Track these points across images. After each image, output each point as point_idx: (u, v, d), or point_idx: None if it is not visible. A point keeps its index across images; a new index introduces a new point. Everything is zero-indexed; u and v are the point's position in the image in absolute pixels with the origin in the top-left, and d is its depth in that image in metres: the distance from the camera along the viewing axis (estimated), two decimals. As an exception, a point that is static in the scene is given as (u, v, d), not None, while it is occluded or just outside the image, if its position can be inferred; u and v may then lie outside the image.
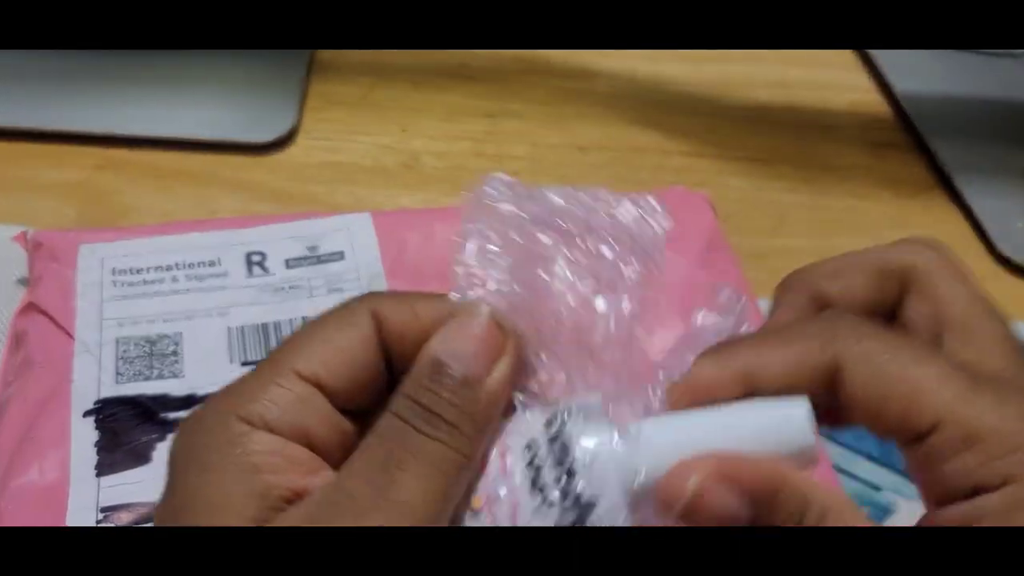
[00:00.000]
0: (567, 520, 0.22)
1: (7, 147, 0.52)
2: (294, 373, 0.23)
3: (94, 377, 0.39)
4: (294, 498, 0.22)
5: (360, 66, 0.60)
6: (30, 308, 0.42)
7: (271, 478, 0.22)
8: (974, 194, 0.53)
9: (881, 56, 0.62)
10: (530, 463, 0.22)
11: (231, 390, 0.23)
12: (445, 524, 0.22)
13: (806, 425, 0.22)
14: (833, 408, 0.24)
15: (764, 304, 0.29)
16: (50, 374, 0.39)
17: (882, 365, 0.23)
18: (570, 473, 0.22)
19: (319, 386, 0.23)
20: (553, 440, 0.23)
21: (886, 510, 0.39)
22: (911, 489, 0.27)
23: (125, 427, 0.38)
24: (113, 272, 0.43)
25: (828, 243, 0.52)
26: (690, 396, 0.24)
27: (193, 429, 0.23)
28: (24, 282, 0.44)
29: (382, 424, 0.23)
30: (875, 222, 0.53)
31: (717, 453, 0.22)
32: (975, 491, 0.22)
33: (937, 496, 0.23)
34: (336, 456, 0.23)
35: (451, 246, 0.24)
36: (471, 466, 0.23)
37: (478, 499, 0.22)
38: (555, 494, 0.22)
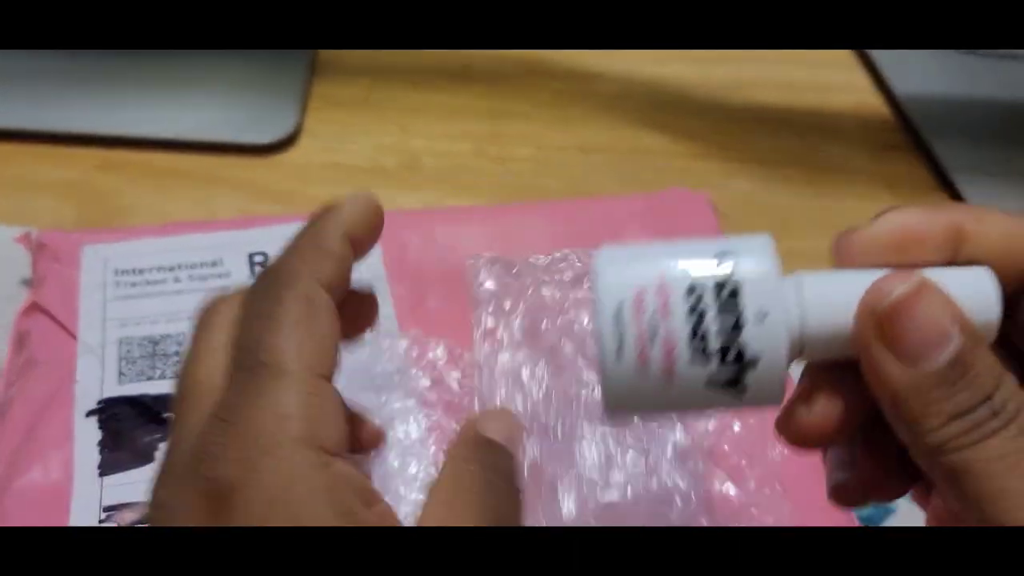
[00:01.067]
0: (723, 376, 0.21)
1: (8, 148, 0.52)
2: (317, 377, 0.21)
3: (97, 377, 0.40)
4: None
5: (361, 67, 0.60)
6: (33, 308, 0.42)
7: (361, 515, 0.20)
8: (975, 195, 0.53)
9: (882, 58, 0.63)
10: (693, 309, 0.21)
11: (292, 406, 0.20)
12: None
13: (993, 294, 0.21)
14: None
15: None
16: (53, 374, 0.40)
17: None
18: (737, 326, 0.20)
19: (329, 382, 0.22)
20: (720, 286, 0.21)
21: (886, 509, 0.39)
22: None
23: (128, 427, 0.38)
24: (116, 273, 0.44)
25: (830, 244, 0.52)
26: (894, 243, 0.22)
27: (259, 457, 0.20)
28: (27, 283, 0.44)
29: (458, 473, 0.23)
30: (877, 224, 0.54)
31: None
32: None
33: None
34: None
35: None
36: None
37: None
38: (716, 346, 0.20)
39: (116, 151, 0.53)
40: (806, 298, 0.21)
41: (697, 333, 0.20)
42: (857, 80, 0.63)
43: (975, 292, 0.21)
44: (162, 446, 0.37)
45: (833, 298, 0.21)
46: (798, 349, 0.21)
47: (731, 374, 0.20)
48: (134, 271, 0.44)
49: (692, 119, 0.59)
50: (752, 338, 0.20)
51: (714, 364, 0.20)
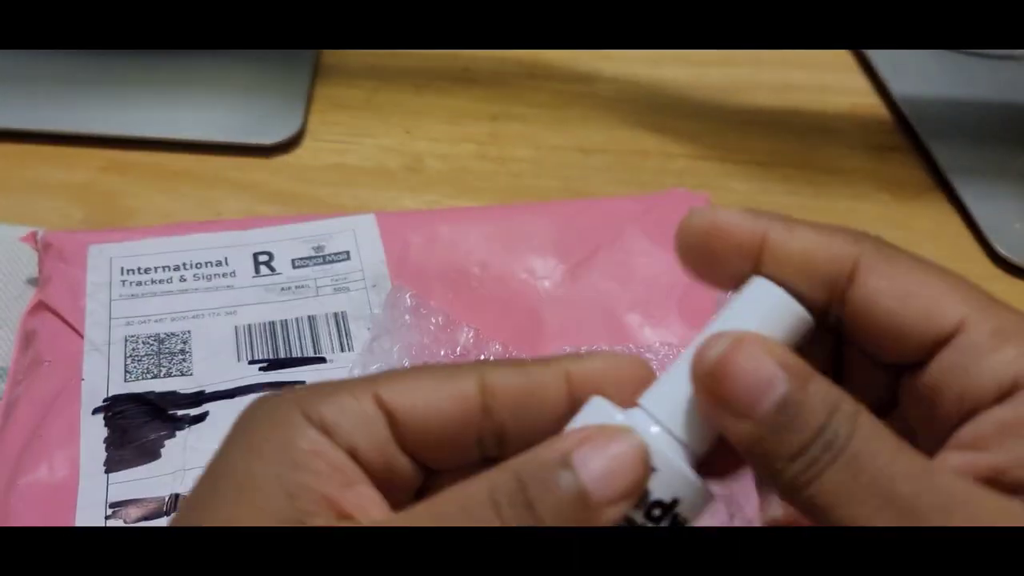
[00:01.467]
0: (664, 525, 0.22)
1: (14, 148, 0.53)
2: (373, 395, 0.23)
3: (103, 375, 0.40)
4: (324, 504, 0.21)
5: (364, 69, 0.61)
6: (40, 307, 0.42)
7: (306, 478, 0.21)
8: (972, 196, 0.54)
9: (879, 59, 0.63)
10: None
11: (311, 388, 0.23)
12: None
13: (786, 301, 0.22)
14: (834, 319, 0.23)
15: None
16: (59, 372, 0.40)
17: (904, 267, 0.23)
18: (644, 493, 0.21)
19: (391, 417, 0.23)
20: None
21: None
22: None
23: (134, 424, 0.38)
24: (122, 272, 0.44)
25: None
26: (701, 234, 0.23)
27: (258, 406, 0.23)
28: (34, 282, 0.44)
29: (470, 489, 0.21)
30: (874, 224, 0.54)
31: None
32: (1012, 389, 0.21)
33: (961, 411, 0.22)
34: (379, 485, 0.22)
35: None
36: None
37: None
38: (643, 520, 0.21)
39: (121, 152, 0.53)
40: (664, 420, 0.22)
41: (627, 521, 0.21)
42: (855, 81, 0.64)
43: (774, 308, 0.22)
44: (167, 443, 0.38)
45: (680, 402, 0.22)
46: (694, 459, 0.22)
47: (671, 524, 0.21)
48: (140, 270, 0.44)
49: (691, 120, 0.59)
50: (660, 490, 0.21)
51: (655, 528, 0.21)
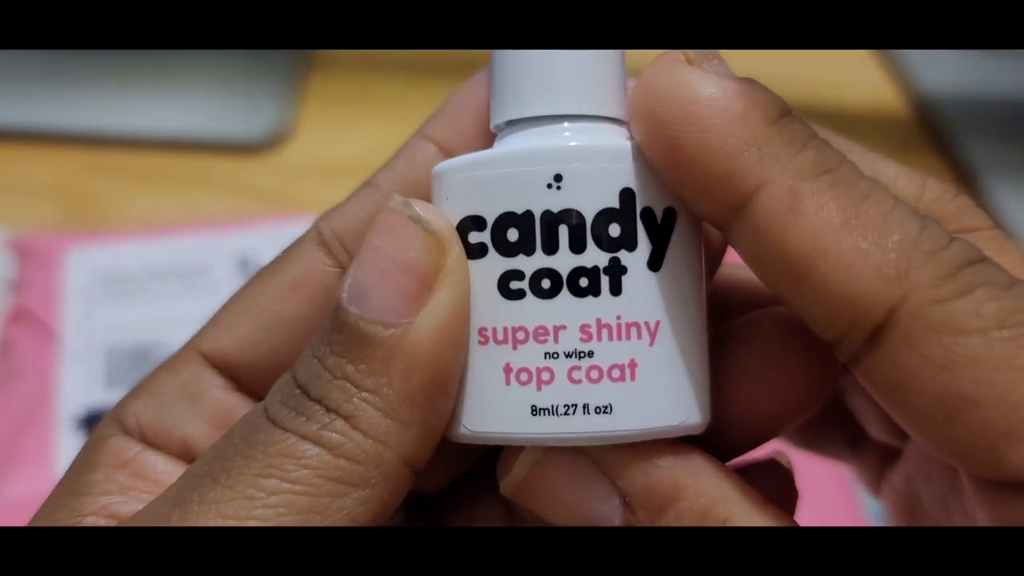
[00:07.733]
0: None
1: (-9, 147, 0.53)
2: (196, 352, 0.19)
3: (84, 385, 0.40)
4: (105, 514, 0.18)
5: (357, 63, 0.61)
6: (18, 314, 0.43)
7: (87, 502, 0.18)
8: (1000, 195, 0.54)
9: (902, 54, 0.63)
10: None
11: (139, 384, 0.20)
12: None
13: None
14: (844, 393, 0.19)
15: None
16: (38, 383, 0.40)
17: (976, 344, 0.14)
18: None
19: (224, 365, 0.19)
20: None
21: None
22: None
23: (115, 436, 0.39)
24: (103, 277, 0.44)
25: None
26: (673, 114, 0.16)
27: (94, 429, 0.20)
28: (12, 287, 0.45)
29: (243, 417, 0.17)
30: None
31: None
32: None
33: None
34: None
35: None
36: (383, 473, 0.16)
37: None
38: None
39: (104, 151, 0.53)
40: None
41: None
42: (876, 76, 0.64)
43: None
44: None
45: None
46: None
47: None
48: (122, 276, 0.44)
49: (701, 116, 0.60)
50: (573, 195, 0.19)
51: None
